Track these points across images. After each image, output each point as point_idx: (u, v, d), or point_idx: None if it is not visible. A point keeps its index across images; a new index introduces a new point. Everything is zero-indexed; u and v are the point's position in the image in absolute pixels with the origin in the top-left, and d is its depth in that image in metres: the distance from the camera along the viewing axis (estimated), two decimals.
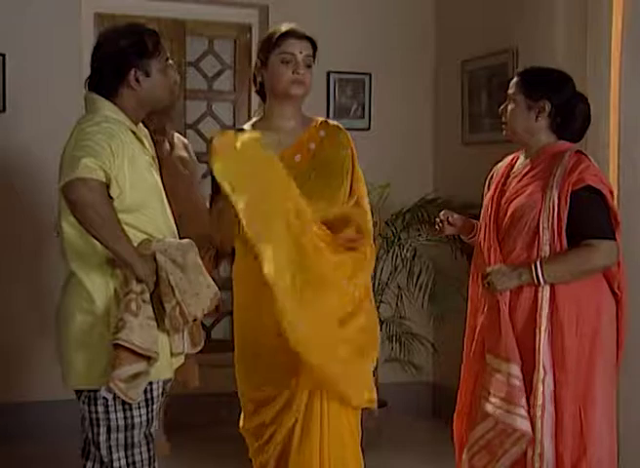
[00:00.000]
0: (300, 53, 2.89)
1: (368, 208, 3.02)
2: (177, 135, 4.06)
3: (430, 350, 4.85)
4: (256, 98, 4.97)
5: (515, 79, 3.07)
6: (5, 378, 4.45)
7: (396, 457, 4.37)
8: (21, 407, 4.44)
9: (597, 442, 2.88)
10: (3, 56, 4.42)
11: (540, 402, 2.86)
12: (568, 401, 2.86)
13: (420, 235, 4.67)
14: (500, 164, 3.24)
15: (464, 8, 4.94)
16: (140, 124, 2.71)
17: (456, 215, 3.19)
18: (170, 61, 2.78)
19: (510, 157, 3.19)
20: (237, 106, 5.07)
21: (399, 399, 4.81)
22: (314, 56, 2.95)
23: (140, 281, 2.45)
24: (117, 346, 2.40)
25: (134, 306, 2.43)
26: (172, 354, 2.59)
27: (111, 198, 2.44)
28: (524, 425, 2.85)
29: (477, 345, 3.05)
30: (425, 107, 5.21)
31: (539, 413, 2.86)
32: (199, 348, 2.71)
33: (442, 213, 3.22)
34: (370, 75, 5.08)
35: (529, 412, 2.86)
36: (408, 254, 4.62)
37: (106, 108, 2.56)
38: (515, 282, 2.89)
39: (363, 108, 5.07)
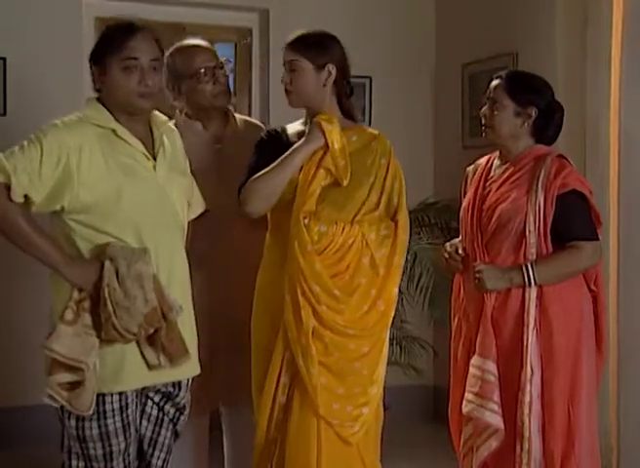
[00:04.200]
0: (288, 62, 2.91)
1: (401, 223, 2.91)
2: None
3: (431, 353, 4.84)
4: (256, 102, 5.04)
5: (498, 82, 3.05)
6: (6, 382, 4.45)
7: (397, 461, 4.36)
8: (23, 410, 4.44)
9: (584, 436, 2.93)
10: (4, 59, 4.43)
11: (527, 400, 2.90)
12: (557, 398, 2.91)
13: (420, 238, 4.66)
14: (471, 167, 3.26)
15: (465, 11, 4.94)
16: (159, 116, 2.63)
17: (460, 250, 3.14)
18: (141, 63, 2.48)
19: (484, 160, 3.20)
20: (238, 110, 5.06)
21: (400, 402, 4.80)
22: (311, 56, 2.90)
23: (80, 288, 2.40)
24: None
25: (68, 314, 2.38)
26: (149, 366, 2.48)
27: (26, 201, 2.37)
28: (495, 420, 2.90)
29: (464, 347, 3.09)
30: (426, 111, 5.21)
31: (526, 411, 2.90)
32: (181, 364, 2.52)
33: (447, 244, 3.20)
34: (370, 79, 5.08)
35: (516, 411, 2.90)
36: (408, 258, 4.59)
37: (89, 107, 2.54)
38: (506, 284, 2.94)
39: (363, 112, 5.07)
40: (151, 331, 2.43)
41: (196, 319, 3.17)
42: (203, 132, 3.25)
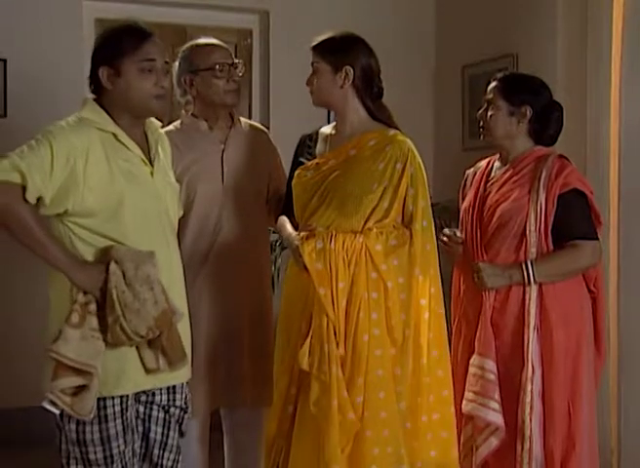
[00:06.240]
0: (311, 64, 2.95)
1: (415, 232, 2.84)
2: None
3: None
4: (256, 103, 5.04)
5: (494, 84, 3.09)
6: (9, 383, 4.45)
7: None
8: (25, 412, 4.44)
9: (584, 435, 2.94)
10: (4, 61, 4.45)
11: (528, 399, 2.90)
12: (557, 397, 2.92)
13: None
14: (471, 169, 3.27)
15: (465, 13, 4.95)
16: (153, 123, 2.62)
17: (459, 233, 3.14)
18: (157, 65, 2.49)
19: (484, 162, 3.23)
20: (238, 111, 5.04)
21: None
22: (329, 59, 2.92)
23: (85, 291, 2.37)
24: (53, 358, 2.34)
25: (75, 318, 2.34)
26: (147, 370, 2.45)
27: (33, 201, 2.34)
28: (496, 418, 2.91)
29: (464, 348, 3.09)
30: (426, 112, 5.22)
31: (527, 410, 2.90)
32: (179, 368, 2.50)
33: (446, 229, 3.20)
34: None
35: (517, 410, 2.91)
36: None
37: (88, 109, 2.50)
38: (506, 281, 2.94)
39: None
40: (158, 333, 2.41)
41: (197, 319, 3.17)
42: (208, 131, 3.27)
